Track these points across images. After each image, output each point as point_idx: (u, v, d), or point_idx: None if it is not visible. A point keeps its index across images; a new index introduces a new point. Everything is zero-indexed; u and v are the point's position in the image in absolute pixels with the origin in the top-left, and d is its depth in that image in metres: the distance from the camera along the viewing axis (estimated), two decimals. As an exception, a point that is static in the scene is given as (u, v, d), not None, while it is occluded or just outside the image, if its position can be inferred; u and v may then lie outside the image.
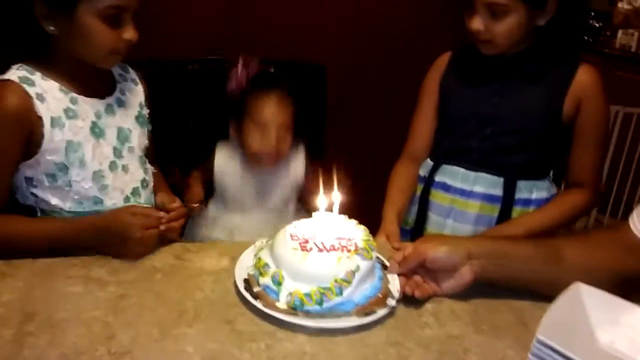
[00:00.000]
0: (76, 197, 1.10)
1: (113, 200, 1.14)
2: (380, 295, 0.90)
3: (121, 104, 1.18)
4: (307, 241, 0.91)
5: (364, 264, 0.89)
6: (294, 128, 1.40)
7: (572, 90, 1.23)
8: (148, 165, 1.26)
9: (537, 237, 1.05)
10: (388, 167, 1.42)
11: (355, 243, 0.91)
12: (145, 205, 1.18)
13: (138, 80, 1.26)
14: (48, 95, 1.05)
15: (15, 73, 1.05)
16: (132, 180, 1.18)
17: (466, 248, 0.91)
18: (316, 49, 1.91)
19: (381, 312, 0.88)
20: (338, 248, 0.90)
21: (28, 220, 1.08)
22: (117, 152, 1.15)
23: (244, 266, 0.97)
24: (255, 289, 0.91)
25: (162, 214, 1.04)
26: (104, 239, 1.00)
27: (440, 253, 0.91)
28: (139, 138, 1.21)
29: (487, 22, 1.17)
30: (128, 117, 1.19)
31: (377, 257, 0.97)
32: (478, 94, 1.29)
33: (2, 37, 1.06)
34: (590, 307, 0.77)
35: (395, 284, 0.94)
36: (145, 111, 1.25)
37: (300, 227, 0.94)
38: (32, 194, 1.09)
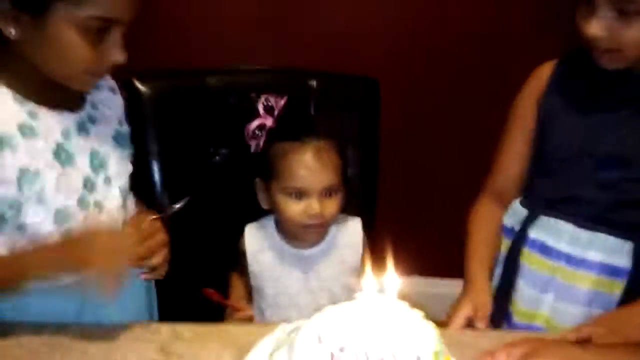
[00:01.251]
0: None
1: None
2: None
3: (94, 120, 0.99)
4: (342, 349, 0.60)
5: (432, 397, 0.57)
6: (344, 184, 1.07)
7: None
8: (130, 202, 1.04)
9: None
10: (459, 207, 1.15)
11: (419, 357, 0.60)
12: None
13: (116, 89, 1.05)
14: None
15: None
16: (108, 221, 0.97)
17: None
18: (366, 60, 1.69)
19: None
20: (390, 365, 0.59)
21: None
22: (90, 184, 0.95)
23: (253, 367, 0.69)
24: (262, 415, 0.61)
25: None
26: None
27: None
28: (118, 165, 1.00)
29: (612, 24, 0.93)
30: (104, 137, 0.99)
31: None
32: (595, 123, 1.03)
33: None
34: None
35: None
36: (126, 129, 1.06)
37: (334, 322, 0.64)
38: None
